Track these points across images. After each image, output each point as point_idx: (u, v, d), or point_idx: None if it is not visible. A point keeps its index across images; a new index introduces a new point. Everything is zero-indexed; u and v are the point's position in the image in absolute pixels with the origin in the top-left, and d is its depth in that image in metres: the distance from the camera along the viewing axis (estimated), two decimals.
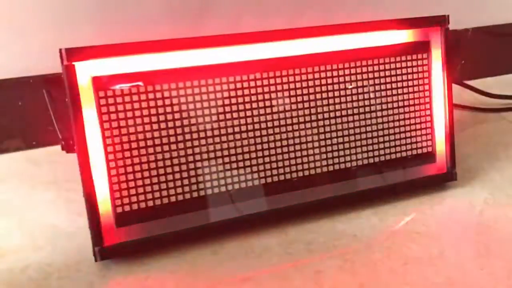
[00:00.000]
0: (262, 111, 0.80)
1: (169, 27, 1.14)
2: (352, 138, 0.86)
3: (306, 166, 0.83)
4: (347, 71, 0.85)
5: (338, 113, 0.85)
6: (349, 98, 0.85)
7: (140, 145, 0.73)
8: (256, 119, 0.80)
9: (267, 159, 0.81)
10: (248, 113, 0.79)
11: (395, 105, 0.89)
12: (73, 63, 0.69)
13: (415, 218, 0.84)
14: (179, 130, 0.75)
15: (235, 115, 0.78)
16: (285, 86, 0.81)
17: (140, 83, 0.73)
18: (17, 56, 1.09)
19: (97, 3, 1.10)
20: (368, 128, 0.87)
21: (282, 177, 0.82)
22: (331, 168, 0.85)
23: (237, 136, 0.79)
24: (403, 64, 0.88)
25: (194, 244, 0.77)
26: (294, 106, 0.82)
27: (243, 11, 1.20)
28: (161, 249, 0.75)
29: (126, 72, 0.72)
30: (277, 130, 0.81)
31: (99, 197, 0.72)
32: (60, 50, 0.68)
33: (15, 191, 0.96)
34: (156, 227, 0.75)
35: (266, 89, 0.80)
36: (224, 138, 0.78)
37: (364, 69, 0.86)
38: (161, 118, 0.74)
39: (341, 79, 0.84)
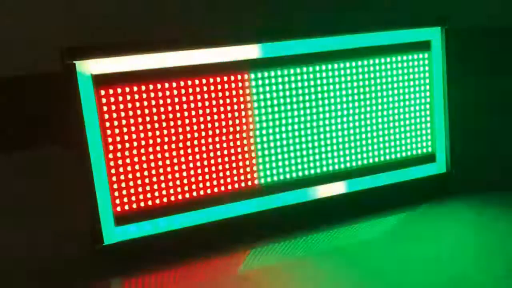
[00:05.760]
0: (262, 111, 0.80)
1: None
2: (352, 138, 0.86)
3: (305, 166, 0.83)
4: (347, 71, 0.85)
5: (338, 113, 0.85)
6: (349, 98, 0.85)
7: (140, 144, 0.74)
8: (256, 119, 0.80)
9: (266, 159, 0.81)
10: (249, 112, 0.79)
11: (395, 105, 0.89)
12: (74, 61, 0.69)
13: (415, 218, 0.84)
14: (179, 130, 0.75)
15: (235, 114, 0.78)
16: (286, 86, 0.81)
17: (141, 81, 0.73)
18: (16, 54, 1.09)
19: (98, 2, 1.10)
20: (368, 128, 0.87)
21: (281, 177, 0.82)
22: (330, 168, 0.85)
23: (237, 136, 0.79)
24: (403, 64, 0.88)
25: (193, 243, 0.77)
26: (293, 106, 0.82)
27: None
28: (160, 247, 0.75)
29: (126, 70, 0.72)
30: (276, 130, 0.81)
31: (99, 196, 0.72)
32: (61, 48, 0.68)
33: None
34: (155, 226, 0.75)
35: (267, 88, 0.80)
36: (223, 138, 0.78)
37: (365, 69, 0.86)
38: (162, 117, 0.74)
39: (342, 78, 0.84)
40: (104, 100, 0.71)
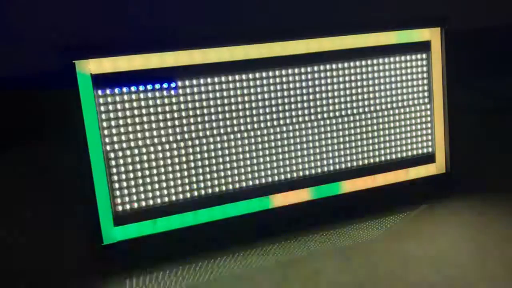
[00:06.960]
0: (262, 111, 0.80)
1: None
2: (352, 138, 0.86)
3: (306, 166, 0.83)
4: (347, 71, 0.85)
5: (337, 113, 0.85)
6: (348, 98, 0.85)
7: (139, 144, 0.74)
8: (255, 119, 0.80)
9: (266, 159, 0.81)
10: (248, 112, 0.79)
11: (395, 105, 0.89)
12: (73, 61, 0.69)
13: (415, 218, 0.84)
14: (179, 130, 0.76)
15: (234, 114, 0.79)
16: (285, 86, 0.81)
17: (140, 82, 0.73)
18: (16, 54, 1.09)
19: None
20: (368, 128, 0.87)
21: (282, 177, 0.82)
22: (331, 168, 0.85)
23: (237, 136, 0.79)
24: (403, 64, 0.89)
25: (193, 243, 0.77)
26: (293, 106, 0.82)
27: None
28: (160, 247, 0.75)
29: (126, 70, 0.72)
30: (276, 130, 0.81)
31: (99, 196, 0.72)
32: (60, 48, 0.68)
33: None
34: (155, 226, 0.75)
35: (265, 88, 0.80)
36: (224, 138, 0.78)
37: (364, 69, 0.86)
38: (161, 117, 0.74)
39: (341, 79, 0.84)
40: (103, 100, 0.71)
